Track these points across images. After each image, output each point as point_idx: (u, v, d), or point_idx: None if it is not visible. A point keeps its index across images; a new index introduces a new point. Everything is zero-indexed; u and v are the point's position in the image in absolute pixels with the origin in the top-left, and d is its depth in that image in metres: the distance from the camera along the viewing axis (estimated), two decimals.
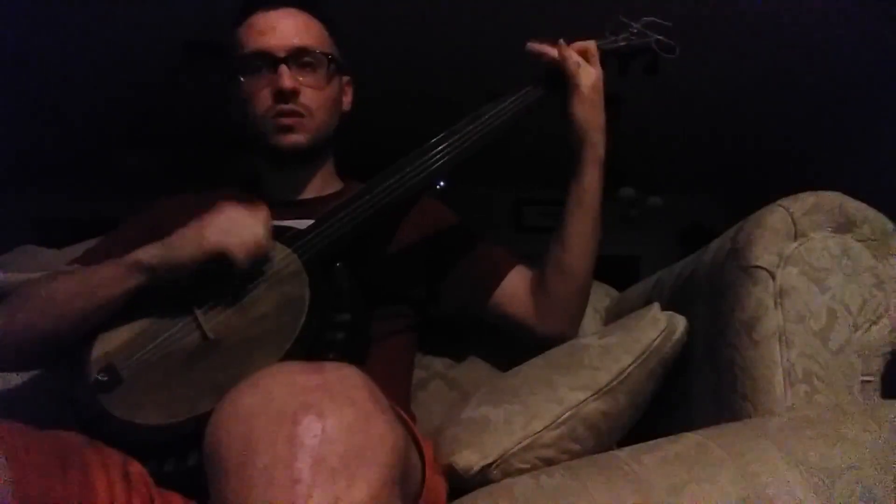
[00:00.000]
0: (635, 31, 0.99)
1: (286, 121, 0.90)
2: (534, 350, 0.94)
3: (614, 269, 1.89)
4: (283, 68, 0.89)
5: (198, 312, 0.73)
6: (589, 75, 0.89)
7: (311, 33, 0.93)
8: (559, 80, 0.90)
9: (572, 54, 0.89)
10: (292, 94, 0.89)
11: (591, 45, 0.91)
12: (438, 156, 0.84)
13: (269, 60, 0.89)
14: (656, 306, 0.89)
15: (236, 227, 0.73)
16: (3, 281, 1.00)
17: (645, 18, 1.00)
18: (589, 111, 0.89)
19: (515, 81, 0.91)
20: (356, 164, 1.08)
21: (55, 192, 4.57)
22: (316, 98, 0.92)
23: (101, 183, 4.38)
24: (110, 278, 0.74)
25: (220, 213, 0.74)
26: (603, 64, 0.92)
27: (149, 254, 0.74)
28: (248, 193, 1.01)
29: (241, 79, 0.91)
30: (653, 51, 0.98)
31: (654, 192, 4.63)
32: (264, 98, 0.90)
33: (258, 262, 0.75)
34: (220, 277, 0.73)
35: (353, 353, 0.71)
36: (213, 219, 0.74)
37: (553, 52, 0.90)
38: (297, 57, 0.90)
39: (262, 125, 0.91)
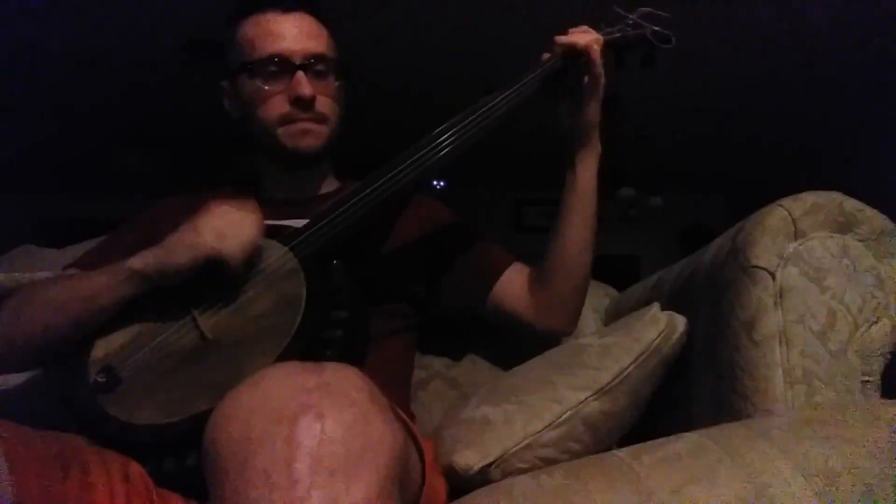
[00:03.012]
0: (631, 22, 0.99)
1: (304, 126, 0.90)
2: (534, 350, 0.94)
3: (614, 269, 1.89)
4: (301, 75, 0.88)
5: (195, 312, 0.72)
6: (604, 75, 0.89)
7: (322, 40, 0.93)
8: (561, 75, 0.89)
9: (599, 56, 0.88)
10: (311, 102, 0.89)
11: (600, 39, 0.90)
12: (433, 152, 0.84)
13: (285, 66, 0.89)
14: (656, 306, 0.88)
15: (230, 228, 0.72)
16: (3, 281, 1.00)
17: (641, 9, 0.99)
18: (598, 109, 0.90)
19: (511, 77, 0.90)
20: (353, 164, 1.08)
21: (55, 192, 4.57)
22: (329, 105, 0.93)
23: (101, 183, 4.38)
24: (105, 286, 0.73)
25: (212, 214, 0.73)
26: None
27: (143, 261, 0.72)
28: (244, 193, 1.02)
29: (254, 81, 0.90)
30: (649, 42, 0.98)
31: (654, 192, 4.63)
32: (279, 103, 0.90)
33: (252, 262, 0.74)
34: (216, 278, 0.72)
35: (352, 351, 0.70)
36: (206, 221, 0.72)
37: (583, 47, 0.87)
38: (313, 64, 0.90)
39: (274, 129, 0.91)
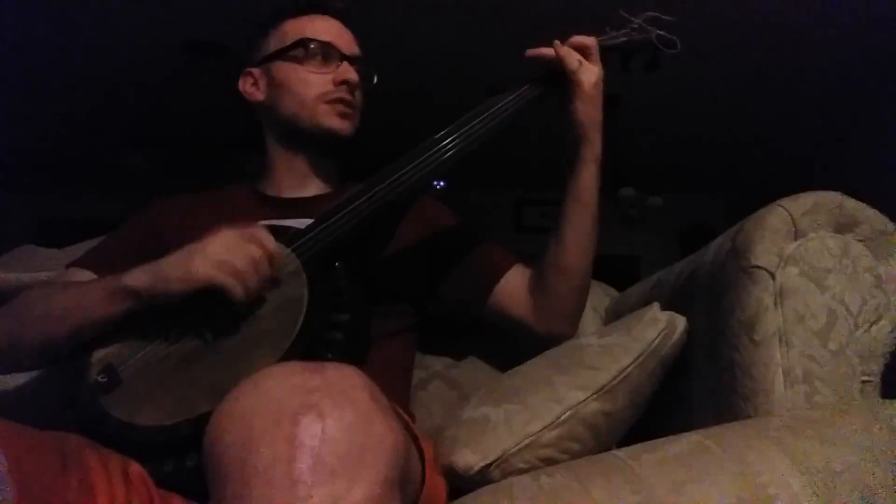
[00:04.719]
0: (636, 26, 0.98)
1: (345, 108, 0.96)
2: (534, 350, 0.94)
3: (614, 269, 1.89)
4: (348, 64, 0.97)
5: (196, 314, 0.72)
6: (590, 73, 0.88)
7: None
8: (559, 77, 0.89)
9: (571, 52, 0.87)
10: (355, 87, 0.97)
11: (590, 41, 0.90)
12: (437, 154, 0.83)
13: (334, 54, 0.97)
14: (656, 306, 0.88)
15: (230, 256, 0.69)
16: (4, 281, 1.01)
17: (646, 13, 0.99)
18: (589, 109, 0.88)
19: (515, 79, 0.90)
20: (353, 165, 1.09)
21: (55, 192, 4.58)
22: (360, 102, 1.00)
23: (101, 183, 4.38)
24: (102, 300, 0.73)
25: (214, 241, 0.71)
26: (604, 60, 0.91)
27: (138, 280, 0.72)
28: (246, 191, 1.02)
29: (298, 63, 0.96)
30: (653, 46, 0.97)
31: (654, 192, 4.63)
32: (323, 82, 0.96)
33: (264, 288, 0.71)
34: (215, 300, 0.70)
35: (352, 354, 0.70)
36: (204, 249, 0.70)
37: (550, 52, 0.88)
38: (356, 62, 0.99)
39: (313, 106, 0.95)
